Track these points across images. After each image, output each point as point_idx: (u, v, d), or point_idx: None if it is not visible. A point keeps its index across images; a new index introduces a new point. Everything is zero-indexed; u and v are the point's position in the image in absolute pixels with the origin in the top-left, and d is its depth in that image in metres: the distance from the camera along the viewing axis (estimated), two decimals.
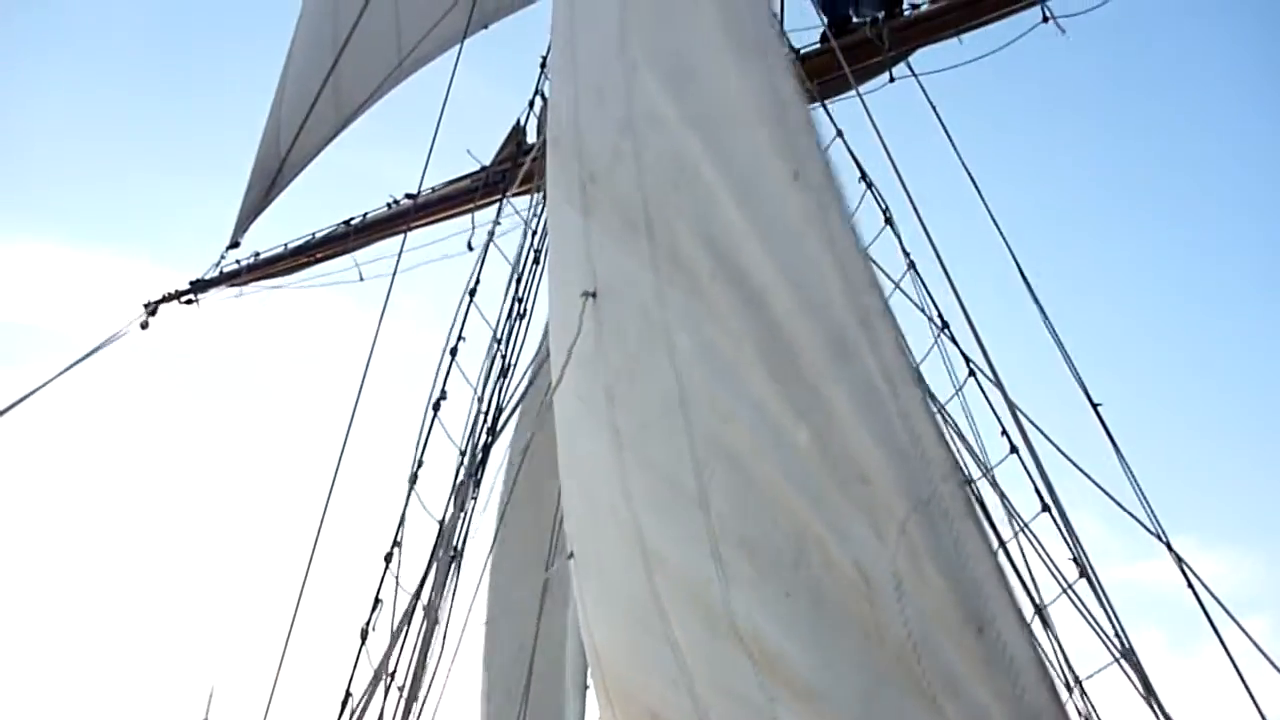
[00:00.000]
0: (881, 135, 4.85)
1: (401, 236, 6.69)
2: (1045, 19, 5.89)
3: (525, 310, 5.22)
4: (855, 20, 6.25)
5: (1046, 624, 4.01)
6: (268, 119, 7.91)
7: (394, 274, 5.14)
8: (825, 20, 6.24)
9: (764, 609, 2.43)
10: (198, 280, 7.78)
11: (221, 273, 7.72)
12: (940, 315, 4.88)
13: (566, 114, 3.70)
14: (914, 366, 2.16)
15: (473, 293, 5.19)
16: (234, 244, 7.83)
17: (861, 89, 5.60)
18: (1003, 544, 3.57)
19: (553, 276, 3.82)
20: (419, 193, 6.50)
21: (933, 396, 4.73)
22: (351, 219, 7.27)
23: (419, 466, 4.66)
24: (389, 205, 7.07)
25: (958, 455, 3.44)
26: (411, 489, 4.62)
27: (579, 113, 3.58)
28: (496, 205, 6.31)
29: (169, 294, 7.75)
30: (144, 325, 7.56)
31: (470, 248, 6.62)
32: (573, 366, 3.42)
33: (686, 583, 2.73)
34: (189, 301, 7.75)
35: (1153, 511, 4.31)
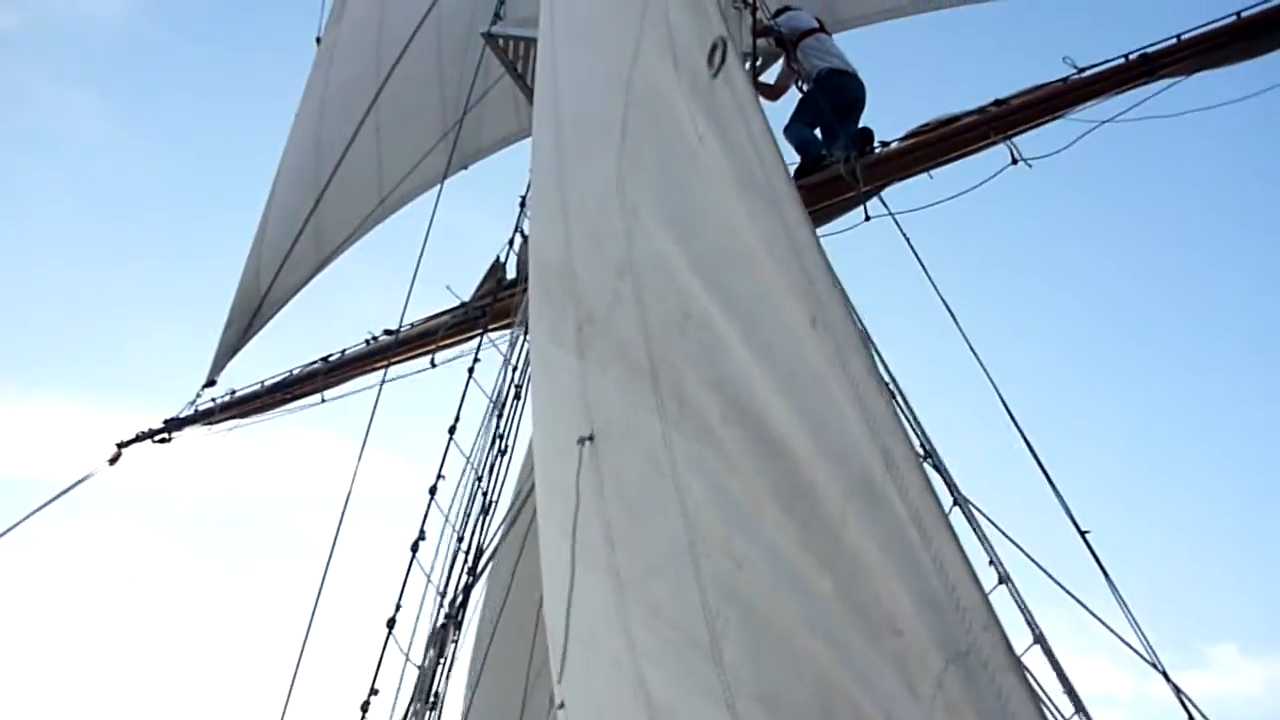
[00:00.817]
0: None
1: (375, 371, 6.70)
2: (1014, 160, 6.12)
3: (506, 447, 5.19)
4: (829, 158, 6.47)
5: None
6: (248, 258, 7.98)
7: (373, 414, 5.09)
8: (799, 157, 6.47)
9: None
10: (172, 419, 7.69)
11: (196, 411, 7.63)
12: (924, 444, 4.91)
13: (557, 256, 3.74)
14: (945, 513, 2.13)
15: (452, 430, 5.16)
16: (210, 382, 7.78)
17: (839, 222, 5.78)
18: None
19: (539, 419, 3.78)
20: (399, 329, 6.50)
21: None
22: (329, 355, 7.26)
23: (397, 610, 4.54)
24: (367, 342, 7.07)
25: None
26: (390, 634, 4.49)
27: (573, 255, 3.62)
28: (476, 340, 6.34)
29: (142, 433, 7.64)
30: (112, 460, 7.41)
31: (433, 365, 6.64)
32: (565, 509, 3.36)
33: None
34: (162, 440, 7.62)
35: (1146, 639, 4.29)
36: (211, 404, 7.66)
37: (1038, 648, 3.90)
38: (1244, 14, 6.71)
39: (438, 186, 6.68)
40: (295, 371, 7.41)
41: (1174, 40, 6.69)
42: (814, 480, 2.38)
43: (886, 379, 4.95)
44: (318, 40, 9.28)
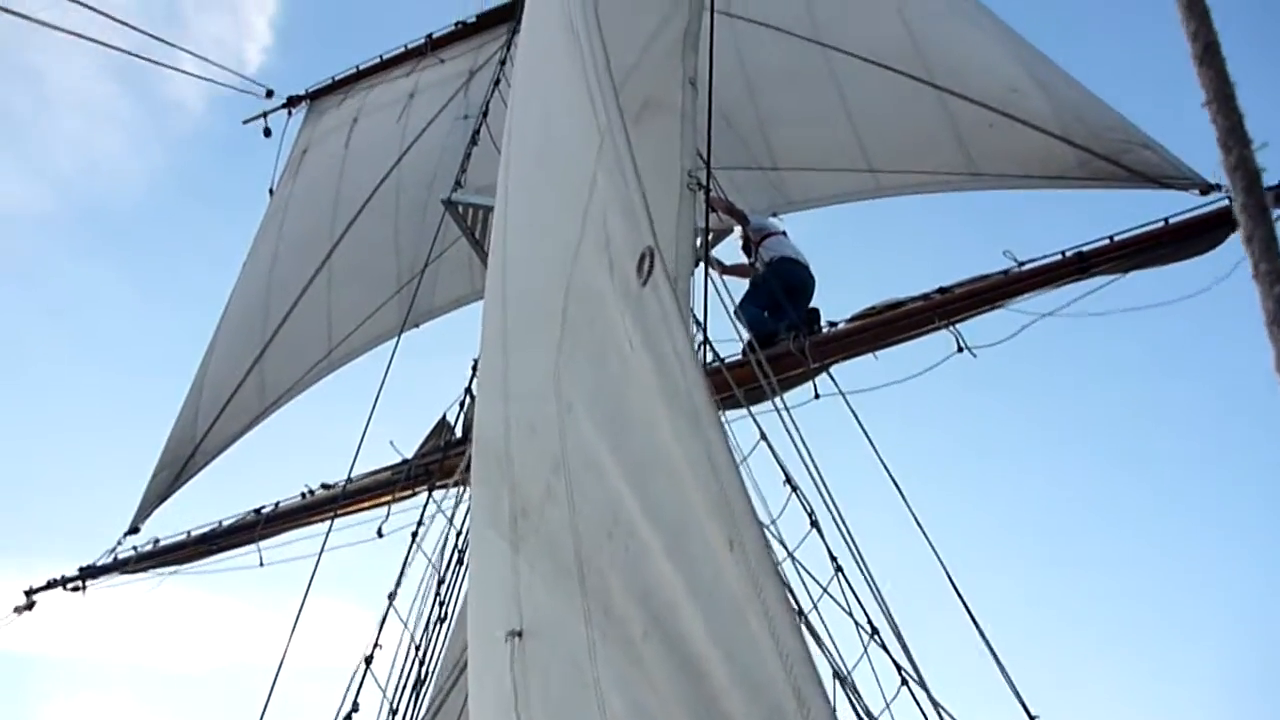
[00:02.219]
0: (806, 445, 5.04)
1: (311, 525, 6.56)
2: (960, 349, 6.32)
3: (446, 614, 5.07)
4: (780, 337, 6.66)
5: None
6: (184, 403, 7.84)
7: (314, 570, 4.98)
8: (750, 334, 6.64)
9: None
10: (88, 567, 7.38)
11: (115, 559, 7.33)
12: (870, 621, 4.87)
13: (497, 437, 3.75)
14: None
15: (392, 596, 5.06)
16: (133, 529, 7.51)
17: (788, 396, 5.90)
18: None
19: (473, 606, 3.72)
20: (348, 482, 6.41)
21: (868, 712, 4.65)
22: (262, 507, 7.08)
23: None
24: (303, 495, 6.93)
25: None
26: None
27: (510, 440, 3.63)
28: (416, 498, 6.27)
29: (54, 580, 7.30)
30: (19, 610, 7.04)
31: (380, 534, 6.49)
32: (491, 707, 3.28)
33: None
34: (76, 589, 7.28)
35: None
36: (133, 552, 7.31)
37: None
38: (1171, 219, 7.14)
39: (388, 342, 6.70)
40: (225, 522, 7.17)
41: (1107, 240, 7.09)
42: (729, 711, 2.34)
43: (827, 557, 4.96)
44: (270, 191, 9.48)
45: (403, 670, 4.88)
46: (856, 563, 4.80)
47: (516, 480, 3.45)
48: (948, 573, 4.88)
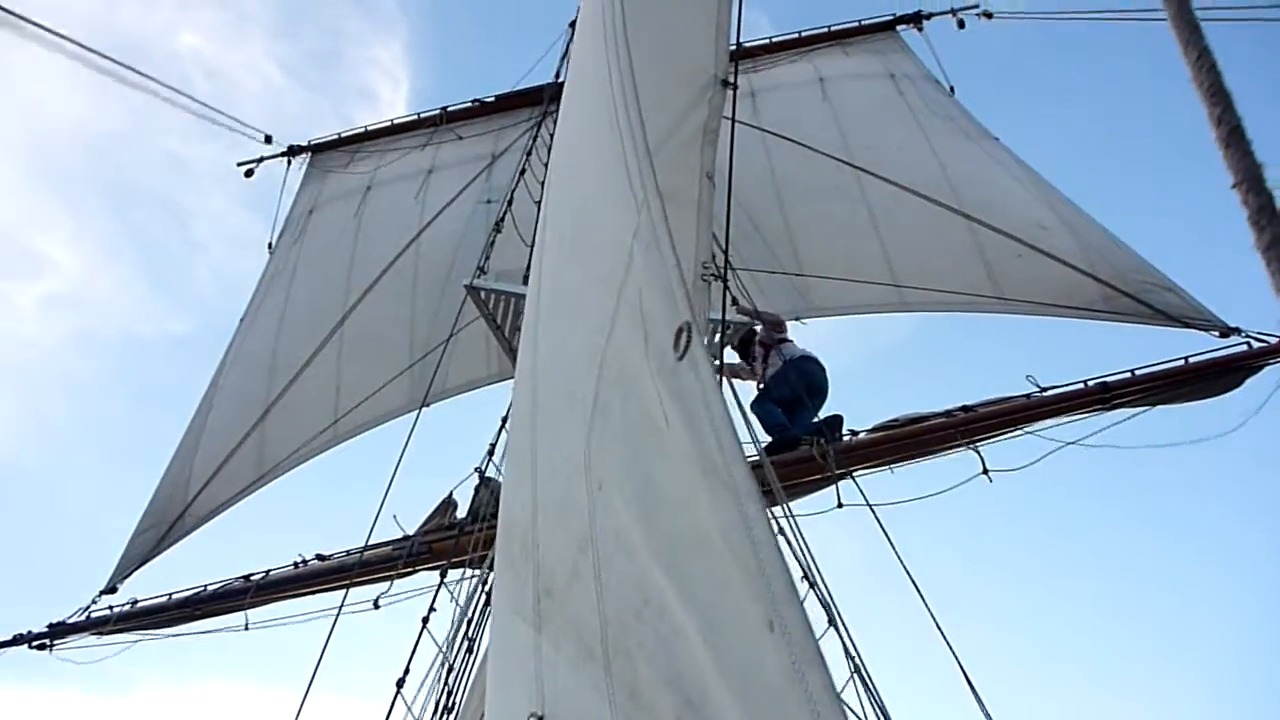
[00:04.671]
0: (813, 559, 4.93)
1: (302, 597, 6.32)
2: (984, 471, 6.27)
3: (453, 704, 4.86)
4: (804, 441, 6.62)
5: None
6: (170, 465, 7.58)
7: (323, 651, 4.79)
8: (768, 434, 6.59)
9: None
10: (58, 624, 6.93)
11: (89, 618, 6.95)
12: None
13: (523, 519, 3.66)
14: None
15: (400, 683, 4.86)
16: (110, 589, 7.15)
17: (808, 501, 5.82)
18: None
19: (493, 690, 3.58)
20: (361, 551, 6.21)
21: None
22: (250, 574, 6.78)
23: None
24: (295, 565, 6.68)
25: None
26: None
27: (537, 521, 3.54)
28: (421, 575, 6.10)
29: (20, 635, 6.91)
30: None
31: (376, 606, 6.25)
32: None
33: None
34: (41, 646, 6.88)
35: None
36: (108, 612, 6.95)
37: None
38: (1191, 359, 7.19)
39: (396, 420, 6.61)
40: (211, 587, 6.84)
41: (1129, 374, 7.12)
42: None
43: (844, 657, 4.80)
44: (269, 246, 9.40)
45: None
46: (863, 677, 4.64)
47: (542, 561, 3.35)
48: (960, 664, 4.71)
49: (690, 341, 2.89)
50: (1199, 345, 7.71)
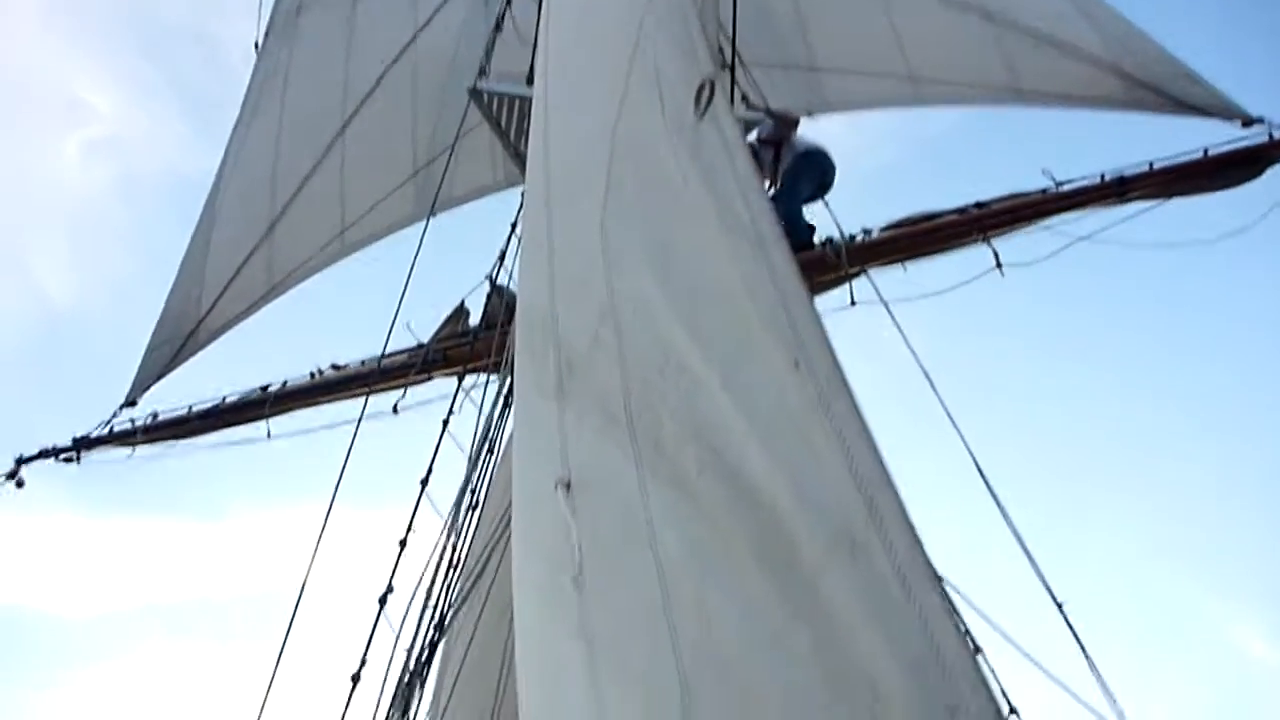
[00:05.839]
0: None
1: (321, 405, 6.41)
2: (998, 264, 6.23)
3: (477, 502, 5.00)
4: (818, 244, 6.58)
5: None
6: (179, 277, 7.50)
7: (348, 454, 4.89)
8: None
9: None
10: (81, 437, 7.07)
11: (111, 431, 7.07)
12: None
13: (540, 303, 3.65)
14: (931, 568, 2.01)
15: (424, 482, 4.99)
16: (130, 402, 7.23)
17: (820, 301, 5.83)
18: None
19: (519, 469, 3.65)
20: (380, 363, 6.25)
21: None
22: (268, 385, 6.86)
23: (362, 666, 4.32)
24: (312, 375, 6.74)
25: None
26: (354, 688, 4.27)
27: (555, 300, 3.53)
28: (436, 382, 6.18)
29: (46, 449, 7.06)
30: (19, 484, 6.85)
31: (395, 411, 6.35)
32: (540, 562, 3.21)
33: None
34: (69, 459, 7.04)
35: (1120, 709, 4.18)
36: (130, 425, 7.05)
37: None
38: (1210, 151, 7.02)
39: (406, 229, 6.54)
40: (229, 399, 6.93)
41: (1147, 166, 6.99)
42: (792, 534, 2.25)
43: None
44: (256, 46, 9.05)
45: (440, 552, 4.82)
46: None
47: (562, 337, 3.35)
48: (973, 455, 4.82)
49: (713, 97, 2.81)
50: (1219, 139, 7.54)
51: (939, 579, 1.97)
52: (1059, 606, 4.55)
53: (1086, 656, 4.40)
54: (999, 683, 3.26)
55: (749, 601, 2.35)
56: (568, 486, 3.04)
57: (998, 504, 4.80)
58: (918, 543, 2.00)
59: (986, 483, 4.96)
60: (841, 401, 2.20)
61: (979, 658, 3.24)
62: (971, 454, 5.05)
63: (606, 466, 2.92)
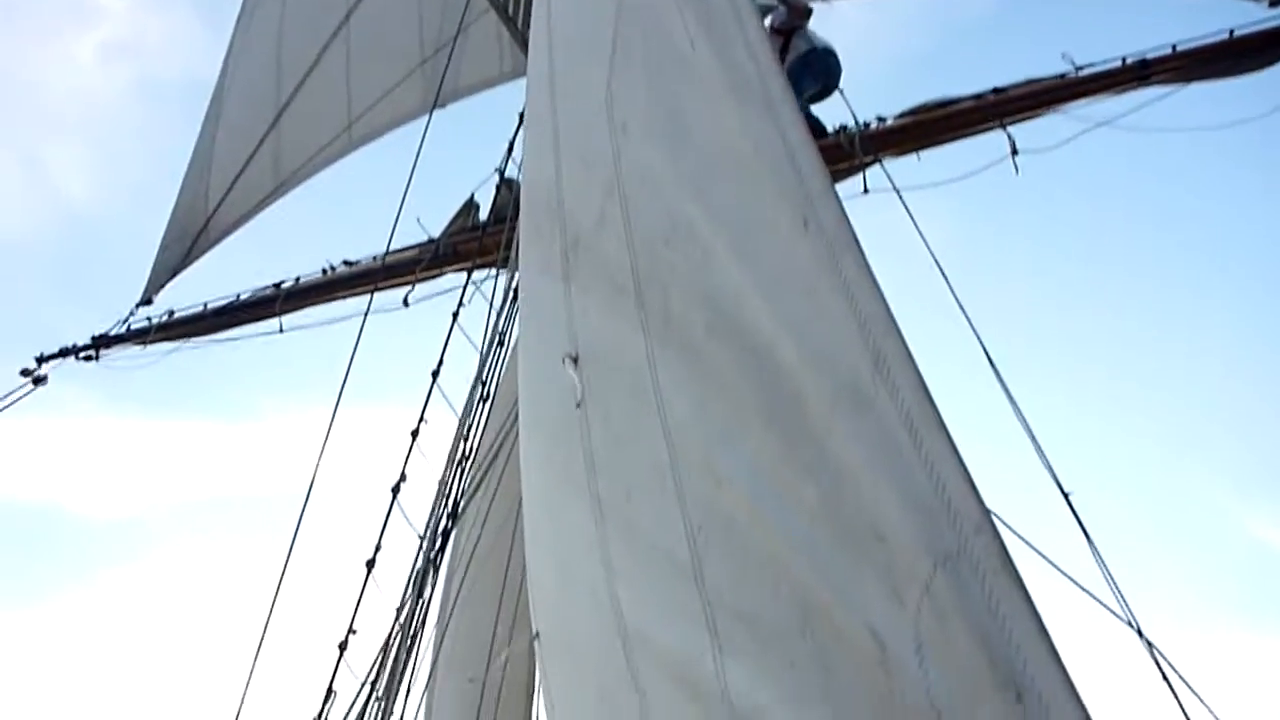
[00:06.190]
0: None
1: (334, 301, 6.43)
2: (1014, 150, 6.09)
3: (488, 393, 5.05)
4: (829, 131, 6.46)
5: None
6: (187, 174, 7.46)
7: (357, 343, 4.93)
8: None
9: (764, 683, 2.23)
10: (100, 335, 7.13)
11: (129, 329, 7.13)
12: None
13: (545, 185, 3.62)
14: (938, 412, 2.02)
15: (435, 373, 5.03)
16: (146, 301, 7.28)
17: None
18: None
19: (526, 348, 3.68)
20: (385, 258, 6.25)
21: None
22: (281, 282, 6.88)
23: (377, 550, 4.42)
24: (324, 271, 6.76)
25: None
26: (369, 573, 4.38)
27: (561, 181, 3.51)
28: (447, 277, 6.17)
29: (65, 348, 7.12)
30: (37, 381, 6.95)
31: (406, 304, 6.36)
32: (546, 436, 3.26)
33: (672, 661, 2.52)
34: (88, 358, 7.13)
35: (1124, 598, 4.22)
36: (147, 323, 7.09)
37: None
38: (1236, 32, 6.79)
39: (415, 121, 6.45)
40: (243, 296, 6.93)
41: (1169, 49, 6.77)
42: (799, 387, 2.27)
43: None
44: None
45: (454, 441, 4.89)
46: None
47: (568, 215, 3.34)
48: (985, 349, 4.77)
49: None
50: (1242, 21, 7.32)
51: (947, 429, 1.98)
52: (1065, 496, 4.54)
53: (1090, 543, 4.41)
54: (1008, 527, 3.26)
55: (757, 459, 2.38)
56: (575, 360, 3.06)
57: (1005, 391, 4.77)
58: (924, 388, 2.01)
59: (995, 370, 4.93)
60: (850, 257, 2.19)
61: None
62: (981, 342, 5.02)
63: (614, 338, 2.93)
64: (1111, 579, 4.17)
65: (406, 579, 4.44)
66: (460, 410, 5.02)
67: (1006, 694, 1.78)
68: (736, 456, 2.44)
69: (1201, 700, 3.94)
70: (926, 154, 6.85)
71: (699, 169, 2.73)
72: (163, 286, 7.35)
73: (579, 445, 2.99)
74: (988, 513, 1.89)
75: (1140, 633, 4.01)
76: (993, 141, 7.02)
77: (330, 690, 4.14)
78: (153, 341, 6.99)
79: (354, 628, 4.28)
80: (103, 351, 7.08)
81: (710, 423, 2.54)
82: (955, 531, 1.91)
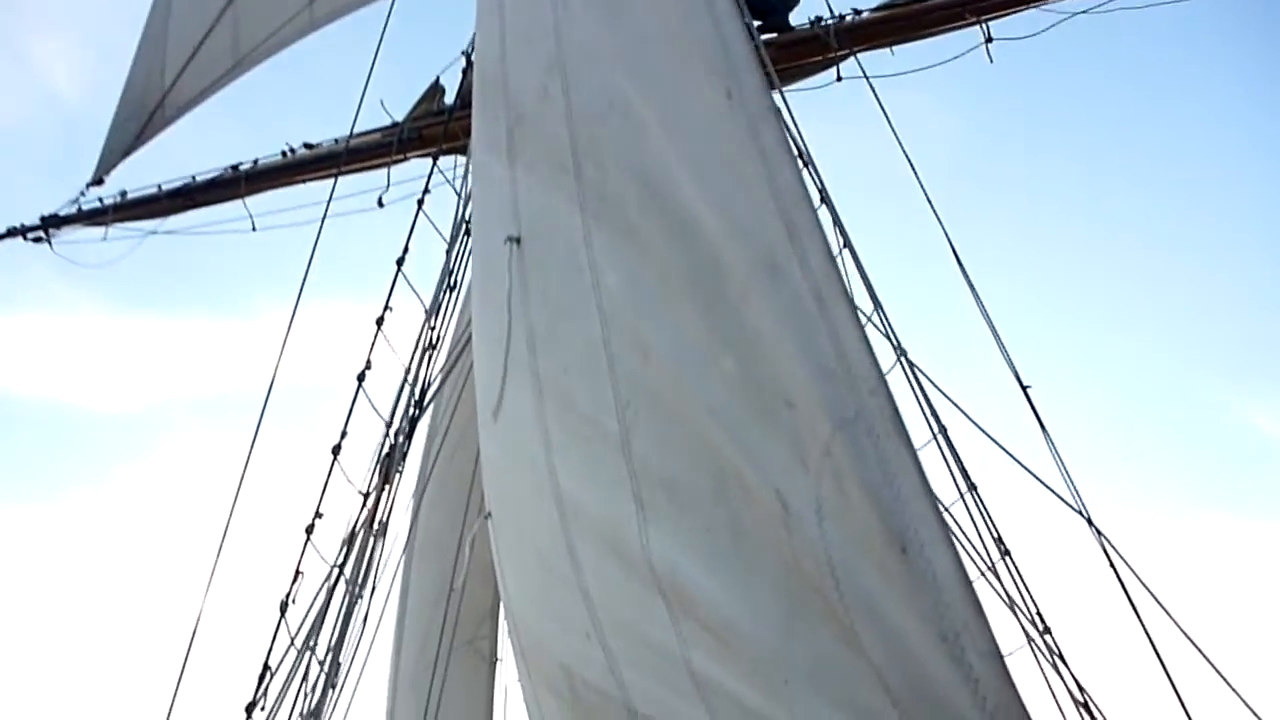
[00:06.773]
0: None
1: (295, 185, 6.29)
2: (988, 39, 5.96)
3: (455, 282, 5.05)
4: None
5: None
6: (141, 47, 7.13)
7: (320, 226, 4.88)
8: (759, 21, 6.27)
9: (682, 547, 2.32)
10: (50, 215, 6.73)
11: (80, 210, 6.70)
12: (874, 296, 4.84)
13: (492, 62, 3.60)
14: (843, 281, 2.05)
15: (400, 261, 5.01)
16: (97, 180, 7.03)
17: (810, 82, 5.68)
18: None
19: (477, 228, 3.70)
20: (349, 141, 6.10)
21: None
22: (239, 164, 6.48)
23: (343, 438, 4.47)
24: (284, 154, 6.59)
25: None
26: (334, 461, 4.43)
27: (506, 57, 3.48)
28: (413, 163, 6.07)
29: (13, 228, 6.80)
30: None
31: (381, 205, 6.24)
32: (495, 316, 3.30)
33: (602, 528, 2.61)
34: (38, 239, 6.75)
35: (1076, 489, 4.30)
36: (99, 204, 6.67)
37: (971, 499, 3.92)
38: None
39: (376, 3, 6.24)
40: (198, 178, 6.51)
41: None
42: (720, 259, 2.31)
43: (835, 232, 4.87)
44: None
45: (419, 333, 4.90)
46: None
47: (511, 92, 3.32)
48: (948, 235, 4.74)
49: None
50: None
51: (851, 298, 2.02)
52: (1024, 389, 4.56)
53: (1045, 433, 4.45)
54: (959, 462, 3.28)
55: (681, 331, 2.43)
56: (518, 242, 3.09)
57: (968, 281, 4.76)
58: (832, 260, 2.05)
59: (958, 258, 4.92)
60: (769, 128, 2.21)
61: (940, 440, 3.28)
62: (946, 232, 4.99)
63: (553, 216, 2.95)
64: (1064, 468, 4.23)
65: (369, 465, 4.50)
66: (428, 299, 5.02)
67: (893, 548, 1.86)
68: (663, 329, 2.49)
69: (1144, 584, 4.06)
70: (906, 48, 6.75)
71: (634, 43, 2.72)
72: (114, 166, 7.04)
73: (520, 324, 3.04)
74: (883, 376, 1.94)
75: (1090, 521, 4.11)
76: (970, 37, 6.91)
77: (298, 572, 4.22)
78: (112, 223, 6.79)
79: (320, 512, 4.35)
80: (54, 233, 6.84)
81: (640, 298, 2.58)
82: (853, 394, 1.97)
